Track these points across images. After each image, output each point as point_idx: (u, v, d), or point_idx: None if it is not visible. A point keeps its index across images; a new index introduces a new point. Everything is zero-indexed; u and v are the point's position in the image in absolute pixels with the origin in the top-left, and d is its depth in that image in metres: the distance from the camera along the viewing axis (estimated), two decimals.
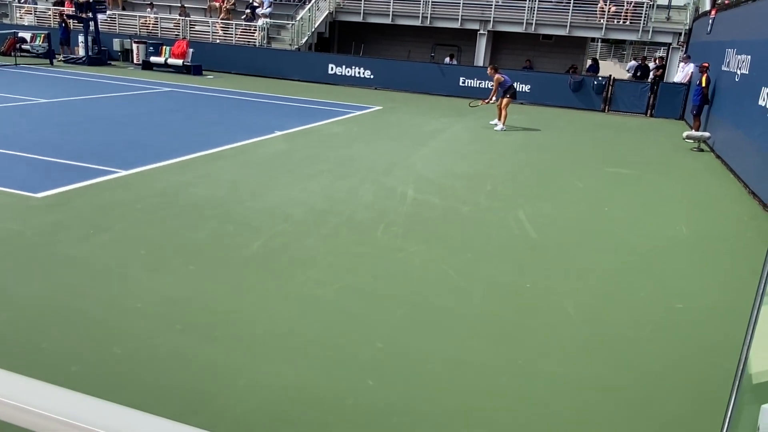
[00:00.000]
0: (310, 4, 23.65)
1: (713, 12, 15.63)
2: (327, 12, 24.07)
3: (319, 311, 4.34)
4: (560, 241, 6.25)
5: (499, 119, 13.64)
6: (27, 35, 22.43)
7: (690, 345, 4.23)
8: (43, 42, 21.96)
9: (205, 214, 6.32)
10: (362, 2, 24.23)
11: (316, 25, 23.70)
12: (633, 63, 27.85)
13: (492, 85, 14.07)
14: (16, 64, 19.67)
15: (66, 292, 4.37)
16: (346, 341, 3.94)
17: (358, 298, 4.62)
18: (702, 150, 12.38)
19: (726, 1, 20.77)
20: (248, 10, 24.11)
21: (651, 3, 21.35)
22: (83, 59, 21.71)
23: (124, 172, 7.65)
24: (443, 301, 4.65)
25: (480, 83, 19.56)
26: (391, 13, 23.94)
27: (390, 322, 4.26)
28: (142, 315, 4.10)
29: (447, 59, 23.53)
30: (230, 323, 4.07)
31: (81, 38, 22.15)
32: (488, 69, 14.50)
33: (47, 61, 21.16)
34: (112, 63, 22.45)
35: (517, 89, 16.23)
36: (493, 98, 13.90)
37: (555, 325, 4.36)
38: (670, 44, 21.83)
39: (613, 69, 37.27)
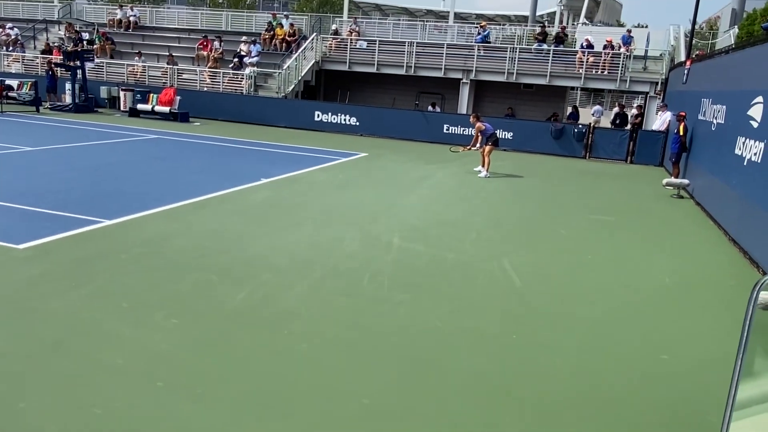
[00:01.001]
0: (297, 54, 24.11)
1: (688, 63, 16.15)
2: (313, 61, 24.52)
3: (304, 366, 4.29)
4: (545, 291, 6.27)
5: (483, 166, 13.83)
6: (14, 83, 22.53)
7: (677, 397, 4.21)
8: (30, 90, 22.06)
9: (189, 265, 6.28)
10: (348, 52, 24.76)
11: (302, 74, 24.10)
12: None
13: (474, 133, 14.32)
14: (2, 112, 19.71)
15: (45, 347, 4.28)
16: (331, 398, 3.89)
17: (344, 351, 4.57)
18: (682, 197, 12.60)
19: (700, 52, 21.50)
20: (236, 59, 24.51)
21: (628, 54, 22.03)
22: (70, 106, 21.82)
23: (108, 222, 7.61)
24: (430, 354, 4.62)
25: (464, 130, 19.87)
26: (376, 63, 24.46)
27: (376, 377, 4.21)
28: (123, 371, 4.02)
29: (429, 108, 24.01)
30: (213, 380, 4.00)
31: (68, 86, 22.31)
32: (471, 117, 14.78)
33: (33, 108, 21.23)
34: (99, 110, 22.57)
35: (500, 136, 16.53)
36: (477, 145, 14.13)
37: (543, 379, 4.33)
38: (648, 93, 22.44)
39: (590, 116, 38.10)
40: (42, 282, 5.53)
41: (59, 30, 28.90)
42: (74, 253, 6.37)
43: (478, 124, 13.85)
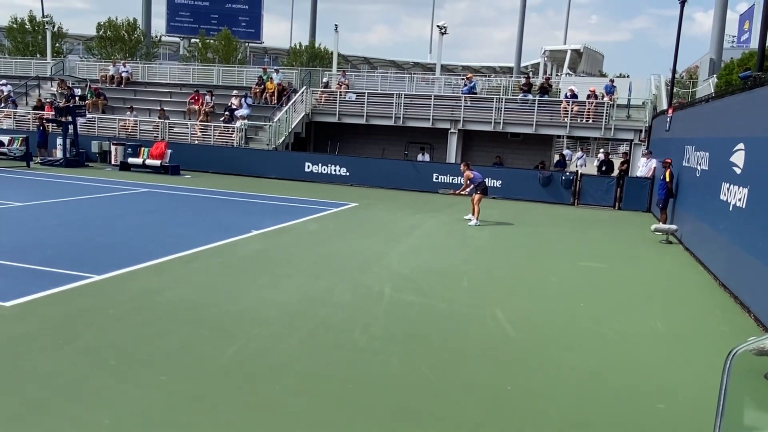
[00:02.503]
0: (287, 107, 24.49)
1: (670, 111, 16.55)
2: (303, 113, 24.92)
3: (296, 423, 4.20)
4: (538, 340, 6.24)
5: (473, 214, 13.92)
6: (5, 139, 22.63)
7: None
8: (20, 145, 22.15)
9: (179, 319, 6.21)
10: (337, 104, 25.19)
11: (293, 126, 24.44)
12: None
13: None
14: None
15: (30, 408, 4.18)
16: None
17: (336, 406, 4.49)
18: (670, 242, 12.70)
19: (681, 101, 22.07)
20: (227, 113, 24.83)
21: (611, 103, 22.55)
22: (60, 161, 21.89)
23: (97, 277, 7.54)
24: (423, 407, 4.54)
25: (453, 179, 20.08)
26: (365, 114, 24.87)
27: (370, 431, 4.13)
28: None
29: (420, 154, 24.40)
30: None
31: (59, 141, 22.44)
32: (461, 165, 14.92)
33: (24, 163, 21.27)
34: (90, 165, 22.65)
35: (489, 185, 16.72)
36: (466, 191, 14.26)
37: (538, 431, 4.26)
38: (632, 140, 22.88)
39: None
40: (29, 340, 5.44)
41: (51, 86, 29.27)
42: (62, 310, 6.29)
43: (467, 173, 14.03)
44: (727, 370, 1.93)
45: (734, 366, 2.04)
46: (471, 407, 4.59)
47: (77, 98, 25.62)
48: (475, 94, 25.10)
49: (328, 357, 5.45)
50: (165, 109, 26.08)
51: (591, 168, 27.62)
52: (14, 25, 42.49)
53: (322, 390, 4.74)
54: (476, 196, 13.92)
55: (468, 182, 14.04)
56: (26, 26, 42.47)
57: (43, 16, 36.49)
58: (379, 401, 4.61)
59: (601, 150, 35.69)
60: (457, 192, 14.56)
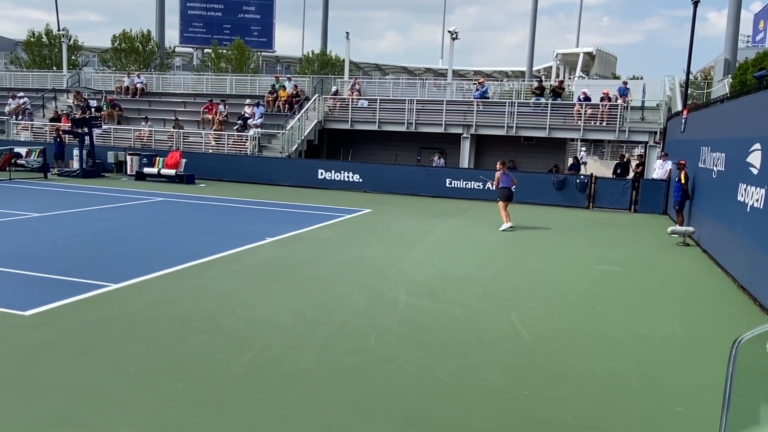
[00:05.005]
0: (300, 114, 24.62)
1: (685, 112, 16.40)
2: (316, 121, 25.02)
3: (312, 430, 4.20)
4: (555, 345, 6.19)
5: (505, 220, 13.76)
6: (23, 150, 22.98)
7: None
8: (38, 157, 22.49)
9: (195, 327, 6.24)
10: (349, 111, 25.27)
11: (305, 133, 24.55)
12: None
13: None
14: (10, 179, 20.02)
15: (48, 418, 4.22)
16: None
17: (352, 413, 4.49)
18: (688, 245, 12.56)
19: (696, 101, 21.86)
20: (240, 122, 25.01)
21: (625, 105, 22.40)
22: (77, 172, 22.17)
23: (114, 286, 7.61)
24: (440, 414, 4.52)
25: (466, 184, 20.07)
26: (377, 120, 24.92)
27: None
28: None
29: (436, 157, 24.37)
30: None
31: (76, 152, 22.73)
32: (498, 164, 14.66)
33: (42, 174, 21.57)
34: (106, 175, 22.91)
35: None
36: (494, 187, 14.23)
37: None
38: (647, 142, 22.70)
39: (594, 166, 38.45)
40: (47, 349, 5.49)
41: (68, 98, 29.67)
42: (80, 319, 6.35)
43: (497, 173, 14.01)
44: (732, 359, 1.91)
45: (747, 357, 2.01)
46: (487, 413, 4.57)
47: (93, 109, 25.98)
48: (488, 98, 25.06)
49: (343, 364, 5.44)
50: (179, 118, 26.33)
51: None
52: (32, 39, 43.14)
53: (338, 397, 4.73)
54: (499, 203, 13.95)
55: (498, 183, 13.99)
56: (43, 40, 43.08)
57: (59, 30, 37.00)
58: (394, 408, 4.59)
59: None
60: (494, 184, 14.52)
